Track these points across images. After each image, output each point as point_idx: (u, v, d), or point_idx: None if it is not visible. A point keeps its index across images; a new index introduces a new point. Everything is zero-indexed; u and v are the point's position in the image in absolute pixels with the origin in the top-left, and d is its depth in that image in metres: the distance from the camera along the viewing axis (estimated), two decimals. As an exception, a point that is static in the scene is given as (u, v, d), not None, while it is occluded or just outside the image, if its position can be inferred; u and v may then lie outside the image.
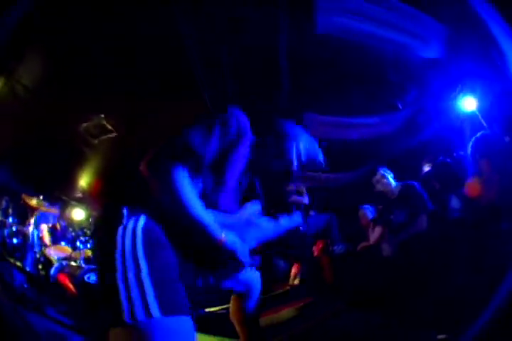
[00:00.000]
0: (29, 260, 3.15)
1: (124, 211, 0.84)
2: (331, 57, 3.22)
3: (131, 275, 0.76)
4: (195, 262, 0.97)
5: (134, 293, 0.74)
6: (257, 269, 1.36)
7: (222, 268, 1.05)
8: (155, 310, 0.73)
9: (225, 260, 0.96)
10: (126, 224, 0.82)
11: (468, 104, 3.38)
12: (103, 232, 0.88)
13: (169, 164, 0.82)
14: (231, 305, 1.35)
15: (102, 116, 3.37)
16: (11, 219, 3.40)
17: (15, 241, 3.27)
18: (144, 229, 0.83)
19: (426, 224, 2.39)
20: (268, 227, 1.20)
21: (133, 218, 0.84)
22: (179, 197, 0.82)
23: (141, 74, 3.32)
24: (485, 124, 3.05)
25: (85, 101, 3.45)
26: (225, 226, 0.94)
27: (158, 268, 0.80)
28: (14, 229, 3.34)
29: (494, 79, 3.01)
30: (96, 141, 3.51)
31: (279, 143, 1.24)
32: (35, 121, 3.54)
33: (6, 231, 3.25)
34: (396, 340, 1.44)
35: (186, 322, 0.78)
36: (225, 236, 0.91)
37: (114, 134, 3.40)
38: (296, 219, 1.33)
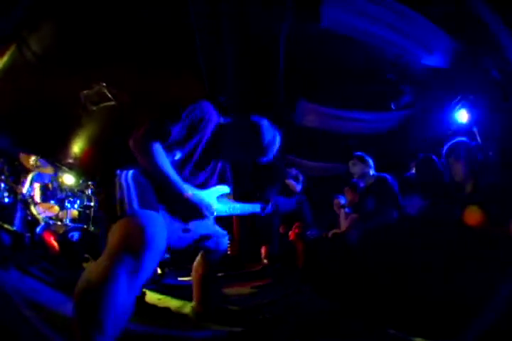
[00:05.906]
0: (18, 218, 3.14)
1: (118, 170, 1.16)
2: (332, 51, 3.30)
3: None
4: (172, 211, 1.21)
5: (127, 197, 1.07)
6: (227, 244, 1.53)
7: (192, 217, 1.22)
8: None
9: (193, 211, 1.22)
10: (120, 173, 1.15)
11: (463, 116, 3.48)
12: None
13: (150, 142, 1.15)
14: (198, 258, 1.51)
15: (104, 84, 3.43)
16: (3, 178, 3.42)
17: (6, 200, 3.29)
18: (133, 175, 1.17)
19: (391, 217, 2.50)
20: (232, 207, 1.46)
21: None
22: (157, 165, 1.15)
23: (148, 48, 3.37)
24: (478, 137, 3.15)
25: (87, 69, 3.50)
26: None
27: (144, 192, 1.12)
28: (7, 188, 3.35)
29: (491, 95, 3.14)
30: (95, 108, 3.59)
31: (246, 132, 1.37)
32: (39, 86, 3.59)
33: (-1, 192, 3.28)
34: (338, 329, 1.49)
35: (158, 215, 1.07)
36: (191, 193, 1.20)
37: (112, 103, 3.48)
38: (256, 207, 1.57)
